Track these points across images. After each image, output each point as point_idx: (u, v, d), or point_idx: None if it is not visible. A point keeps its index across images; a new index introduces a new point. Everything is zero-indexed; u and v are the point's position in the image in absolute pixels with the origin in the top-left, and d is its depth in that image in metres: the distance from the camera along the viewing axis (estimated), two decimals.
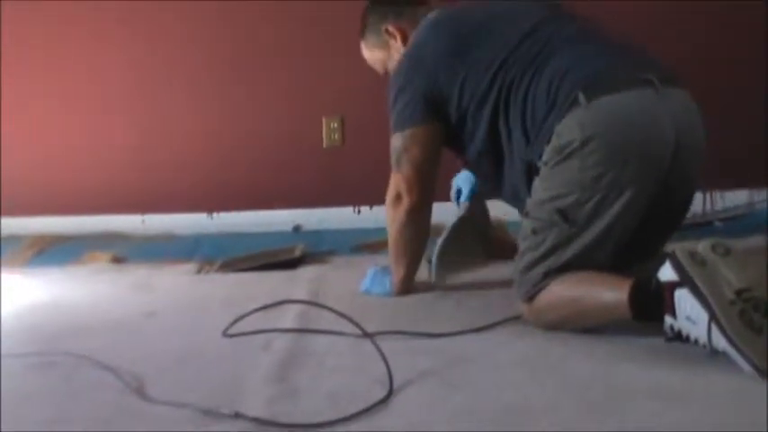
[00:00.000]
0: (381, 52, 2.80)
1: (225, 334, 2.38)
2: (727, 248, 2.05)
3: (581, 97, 2.23)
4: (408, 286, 2.70)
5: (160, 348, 2.34)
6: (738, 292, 1.95)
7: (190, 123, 3.91)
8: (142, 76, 3.89)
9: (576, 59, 2.34)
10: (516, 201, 2.53)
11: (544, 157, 2.29)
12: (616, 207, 2.21)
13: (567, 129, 2.24)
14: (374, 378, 2.00)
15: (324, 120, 3.88)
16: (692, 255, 2.02)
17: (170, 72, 3.89)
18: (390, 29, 2.75)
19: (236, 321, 2.42)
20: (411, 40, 2.66)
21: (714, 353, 1.96)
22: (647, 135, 2.23)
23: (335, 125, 3.87)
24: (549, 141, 2.27)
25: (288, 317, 2.49)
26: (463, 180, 2.93)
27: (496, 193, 2.63)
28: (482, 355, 2.17)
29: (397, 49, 2.73)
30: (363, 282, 2.77)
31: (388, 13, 2.77)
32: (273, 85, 3.88)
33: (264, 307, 2.52)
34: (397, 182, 2.60)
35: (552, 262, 2.26)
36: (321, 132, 3.88)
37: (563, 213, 2.24)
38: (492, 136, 2.45)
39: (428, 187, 2.61)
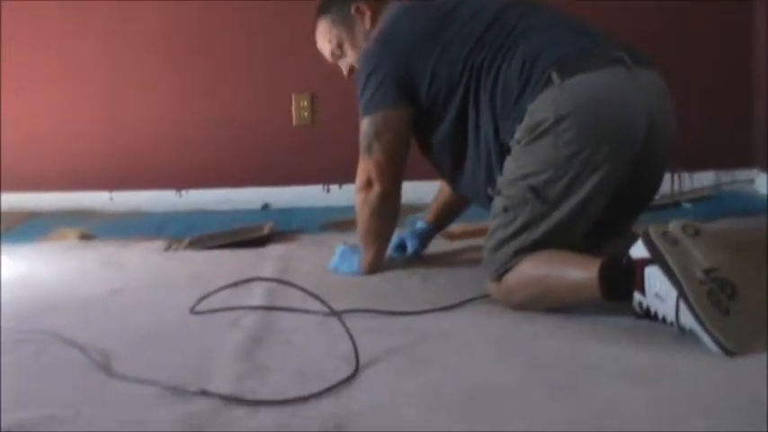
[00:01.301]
0: (343, 31, 2.72)
1: (192, 311, 2.37)
2: (696, 229, 2.06)
3: (554, 76, 2.23)
4: (377, 267, 2.70)
5: (128, 325, 2.32)
6: (706, 272, 1.96)
7: (157, 100, 3.89)
8: (111, 55, 3.87)
9: (547, 41, 2.33)
10: (474, 193, 2.54)
11: (516, 136, 2.28)
12: (589, 185, 2.22)
13: (541, 107, 2.23)
14: (341, 356, 2.00)
15: (293, 97, 3.86)
16: (665, 233, 2.03)
17: (138, 50, 3.87)
18: (361, 6, 2.69)
19: (203, 298, 2.41)
20: (381, 23, 2.62)
21: (681, 331, 1.98)
22: (620, 114, 2.23)
23: (305, 103, 3.86)
24: (521, 121, 2.27)
25: (256, 294, 2.48)
26: (409, 237, 2.88)
27: (453, 186, 2.64)
28: (450, 333, 2.17)
29: (363, 30, 2.68)
30: (332, 260, 2.76)
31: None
32: (243, 63, 3.86)
33: (232, 284, 2.51)
34: (367, 167, 2.59)
35: (523, 240, 2.26)
36: (291, 110, 3.86)
37: (536, 190, 2.24)
38: (460, 122, 2.45)
39: (399, 173, 2.61)
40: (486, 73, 2.38)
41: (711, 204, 3.60)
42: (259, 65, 3.86)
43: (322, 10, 2.77)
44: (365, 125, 2.56)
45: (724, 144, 3.78)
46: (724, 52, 3.79)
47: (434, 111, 2.49)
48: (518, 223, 2.26)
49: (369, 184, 2.59)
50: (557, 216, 2.23)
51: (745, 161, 3.82)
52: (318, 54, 3.73)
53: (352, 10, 2.71)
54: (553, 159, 2.22)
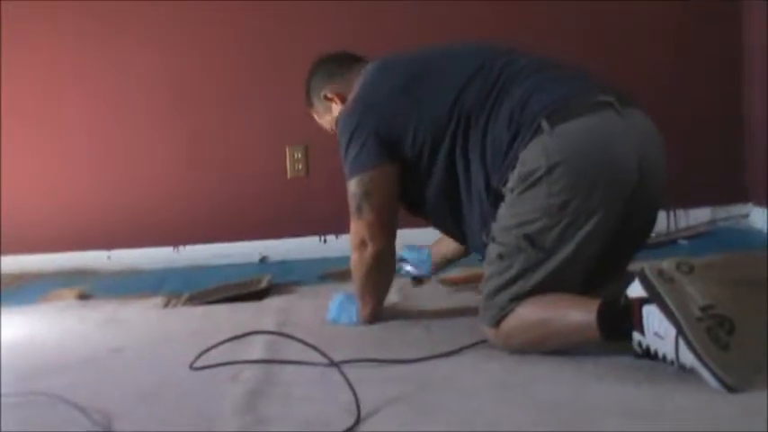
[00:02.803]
0: (329, 116, 2.78)
1: (192, 367, 2.36)
2: (690, 266, 2.07)
3: (544, 124, 2.23)
4: (376, 318, 2.70)
5: (128, 384, 2.32)
6: (703, 309, 1.97)
7: (153, 157, 3.90)
8: (105, 111, 3.88)
9: (534, 88, 2.34)
10: (471, 240, 2.54)
11: (510, 184, 2.28)
12: (583, 232, 2.22)
13: (533, 156, 2.24)
14: (343, 407, 1.99)
15: (287, 149, 3.88)
16: (661, 272, 2.04)
17: (133, 105, 3.88)
18: (329, 94, 2.75)
19: (202, 354, 2.41)
20: (357, 86, 2.64)
21: (682, 369, 1.98)
22: (612, 160, 2.23)
23: (299, 155, 3.88)
24: (513, 168, 2.27)
25: (255, 348, 2.48)
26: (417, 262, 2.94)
27: (456, 237, 2.65)
28: (451, 380, 2.17)
29: (339, 110, 2.71)
30: (329, 311, 2.76)
31: (324, 79, 2.77)
32: (235, 116, 3.88)
33: (231, 339, 2.51)
34: (359, 228, 2.59)
35: (519, 288, 2.26)
36: (285, 162, 3.88)
37: (530, 239, 2.24)
38: (449, 173, 2.45)
39: (391, 230, 2.61)
40: (474, 124, 2.38)
41: (708, 240, 3.60)
42: (252, 118, 3.88)
43: (306, 103, 2.86)
44: (353, 186, 2.57)
45: (718, 180, 3.80)
46: (716, 88, 3.82)
47: (422, 164, 2.49)
48: (513, 271, 2.26)
49: (363, 243, 2.59)
50: (552, 264, 2.23)
51: (740, 196, 3.83)
52: None
53: (324, 99, 2.77)
54: (547, 208, 2.22)
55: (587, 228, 2.22)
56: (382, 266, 2.64)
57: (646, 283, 2.03)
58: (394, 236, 2.63)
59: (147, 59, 3.85)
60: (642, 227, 2.45)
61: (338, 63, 2.78)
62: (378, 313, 2.70)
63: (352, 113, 2.57)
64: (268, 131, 3.89)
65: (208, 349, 2.43)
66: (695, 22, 3.79)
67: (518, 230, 2.25)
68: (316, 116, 2.87)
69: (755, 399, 1.88)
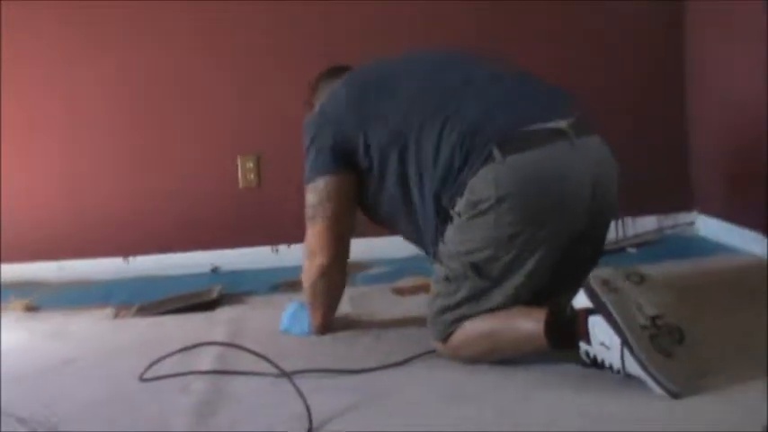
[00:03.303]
0: None
1: (142, 378, 2.36)
2: (641, 276, 2.10)
3: (495, 152, 2.22)
4: (327, 327, 2.70)
5: (78, 396, 2.30)
6: (652, 319, 2.00)
7: (103, 167, 3.87)
8: (52, 120, 3.85)
9: (490, 109, 2.33)
10: (425, 249, 2.54)
11: (458, 208, 2.29)
12: (530, 264, 2.23)
13: (482, 184, 2.23)
14: (294, 417, 2.00)
15: (239, 159, 3.87)
16: (605, 282, 2.07)
17: (79, 115, 3.84)
18: (307, 104, 2.80)
19: (152, 365, 2.40)
20: (324, 98, 2.69)
21: (628, 377, 2.01)
22: (562, 195, 2.23)
23: (251, 165, 3.87)
24: (462, 194, 2.27)
25: (206, 359, 2.47)
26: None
27: (416, 243, 2.62)
28: (402, 389, 2.19)
29: None
30: (282, 320, 2.76)
31: (314, 90, 2.83)
32: (187, 125, 3.86)
33: (182, 350, 2.50)
34: (310, 237, 2.60)
35: (465, 310, 2.28)
36: (237, 172, 3.88)
37: (477, 268, 2.25)
38: (403, 186, 2.44)
39: (341, 245, 2.61)
40: (426, 137, 2.36)
41: (655, 248, 3.65)
42: (204, 127, 3.86)
43: (309, 110, 2.85)
44: (308, 194, 2.58)
45: (664, 189, 3.84)
46: (660, 97, 3.87)
47: (376, 175, 2.49)
48: (459, 296, 2.28)
49: (312, 253, 2.60)
50: (498, 293, 2.25)
51: (685, 204, 3.89)
52: (263, 116, 3.79)
53: (306, 106, 2.81)
54: (494, 239, 2.23)
55: (534, 259, 2.23)
56: (329, 279, 2.63)
57: (591, 294, 2.06)
58: (344, 247, 2.63)
59: (97, 68, 3.82)
60: (596, 242, 2.45)
61: (331, 74, 2.82)
62: (329, 323, 2.70)
63: (310, 123, 2.61)
64: (220, 141, 3.87)
65: (157, 360, 2.43)
66: (637, 33, 3.84)
67: (465, 258, 2.27)
68: None
69: (698, 404, 1.92)
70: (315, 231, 2.58)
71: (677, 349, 1.98)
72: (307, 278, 2.65)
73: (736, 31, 3.41)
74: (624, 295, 2.04)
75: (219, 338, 2.67)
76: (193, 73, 3.83)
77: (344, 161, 2.53)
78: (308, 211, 2.59)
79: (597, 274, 2.10)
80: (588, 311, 2.05)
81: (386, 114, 2.46)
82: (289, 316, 2.76)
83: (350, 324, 2.77)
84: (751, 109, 3.32)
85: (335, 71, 2.82)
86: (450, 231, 2.32)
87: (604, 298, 2.03)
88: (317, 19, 3.78)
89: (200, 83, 3.83)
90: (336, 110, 2.57)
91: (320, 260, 2.59)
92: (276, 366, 2.28)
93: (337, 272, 2.64)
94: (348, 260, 2.67)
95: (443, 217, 2.35)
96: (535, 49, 3.67)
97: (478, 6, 3.75)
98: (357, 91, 2.57)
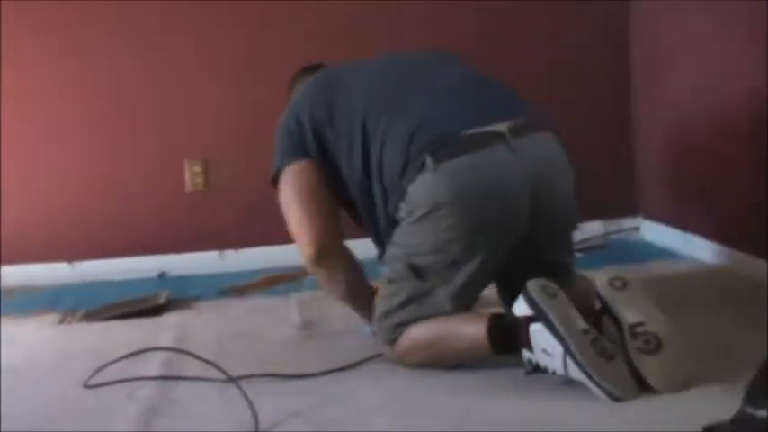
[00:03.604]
0: None
1: (86, 385, 2.34)
2: (624, 281, 2.14)
3: (429, 161, 2.23)
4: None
5: (23, 404, 2.29)
6: (632, 326, 2.05)
7: (46, 168, 3.83)
8: None
9: (428, 113, 2.33)
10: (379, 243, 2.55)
11: (400, 213, 2.31)
12: (470, 267, 2.24)
13: (417, 193, 2.25)
14: (241, 422, 2.00)
15: (186, 163, 3.86)
16: (544, 287, 2.09)
17: (24, 115, 3.80)
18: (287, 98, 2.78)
19: (98, 371, 2.39)
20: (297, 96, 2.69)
21: (572, 382, 2.03)
22: (498, 197, 2.23)
23: (198, 169, 3.86)
24: (403, 200, 2.28)
25: (152, 365, 2.46)
26: None
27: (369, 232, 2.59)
28: (349, 393, 2.19)
29: None
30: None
31: (290, 89, 2.82)
32: (135, 129, 3.84)
33: (127, 356, 2.49)
34: (291, 231, 2.52)
35: (406, 314, 2.29)
36: (183, 176, 3.86)
37: (416, 270, 2.27)
38: (364, 186, 2.43)
39: (321, 230, 2.47)
40: (374, 138, 2.38)
41: (601, 253, 3.69)
42: (150, 131, 3.84)
43: None
44: (280, 188, 2.53)
45: (609, 194, 3.89)
46: (605, 103, 3.91)
47: (343, 172, 2.47)
48: (399, 299, 2.30)
49: (300, 247, 2.50)
50: (439, 296, 2.26)
51: (630, 210, 3.94)
52: (210, 120, 3.78)
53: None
54: (432, 243, 2.24)
55: (475, 263, 2.24)
56: (321, 268, 2.49)
57: (530, 301, 2.08)
58: (327, 230, 2.48)
59: (43, 70, 3.78)
60: (562, 234, 2.44)
61: (305, 73, 2.81)
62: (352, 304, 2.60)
63: (282, 122, 2.58)
64: (166, 145, 3.85)
65: (102, 367, 2.42)
66: (582, 37, 3.89)
67: (405, 259, 2.28)
68: None
69: (641, 408, 1.95)
70: (292, 224, 2.50)
71: (660, 357, 2.02)
72: (319, 281, 2.58)
73: (680, 35, 3.47)
74: (561, 300, 2.07)
75: (167, 344, 2.66)
76: (140, 76, 3.80)
77: (308, 150, 2.49)
78: (282, 205, 2.53)
79: (536, 280, 2.12)
80: (530, 319, 2.07)
81: (349, 109, 2.45)
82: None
83: (298, 331, 2.76)
84: (694, 115, 3.38)
85: (309, 69, 2.81)
86: (395, 234, 2.34)
87: (544, 304, 2.05)
88: (270, 26, 3.78)
89: (147, 86, 3.81)
90: (301, 103, 2.55)
91: (306, 251, 2.47)
92: (223, 371, 2.28)
93: (327, 256, 2.47)
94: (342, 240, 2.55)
95: (391, 221, 2.37)
96: (477, 48, 3.69)
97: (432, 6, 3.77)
98: (323, 86, 2.56)
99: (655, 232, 3.79)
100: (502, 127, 2.28)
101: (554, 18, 3.86)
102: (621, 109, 3.92)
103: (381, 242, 2.49)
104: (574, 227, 2.51)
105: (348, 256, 2.54)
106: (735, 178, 3.13)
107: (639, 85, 3.85)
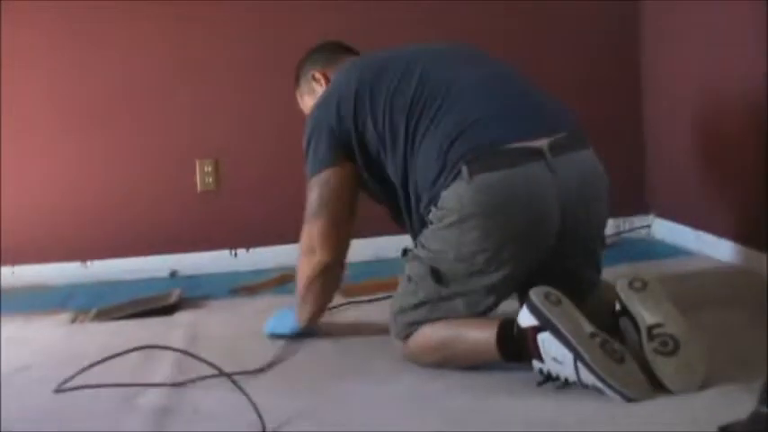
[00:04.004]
0: (310, 98, 2.75)
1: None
2: (644, 282, 2.13)
3: (464, 171, 2.21)
4: (314, 322, 2.65)
5: (32, 404, 2.29)
6: (650, 327, 2.04)
7: (59, 170, 3.84)
8: (10, 124, 3.81)
9: (468, 118, 2.29)
10: (410, 230, 2.53)
11: (430, 216, 2.31)
12: (491, 279, 2.23)
13: (449, 200, 2.24)
14: (249, 423, 2.00)
15: (197, 163, 3.86)
16: (547, 295, 2.08)
17: (37, 115, 3.81)
18: (317, 75, 2.74)
19: (76, 374, 2.40)
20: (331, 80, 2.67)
21: (586, 387, 2.02)
22: (526, 219, 2.21)
23: (209, 168, 3.86)
24: (436, 204, 2.28)
25: (163, 364, 2.47)
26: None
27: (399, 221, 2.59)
28: (361, 393, 2.20)
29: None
30: (267, 324, 2.72)
31: (317, 61, 2.78)
32: (145, 129, 3.84)
33: (111, 356, 2.47)
34: (311, 234, 2.53)
35: (419, 315, 2.30)
36: (195, 176, 3.86)
37: (437, 274, 2.26)
38: (402, 176, 2.42)
39: (342, 242, 2.55)
40: (411, 138, 2.36)
41: (614, 251, 3.67)
42: (162, 131, 3.84)
43: (295, 83, 2.84)
44: (310, 188, 2.53)
45: (620, 192, 3.85)
46: (615, 102, 3.90)
47: (380, 159, 2.46)
48: (416, 298, 2.30)
49: (311, 250, 2.53)
50: (459, 302, 2.26)
51: (641, 208, 3.93)
52: (221, 119, 3.78)
53: (311, 79, 2.76)
54: (457, 252, 2.23)
55: (496, 276, 2.23)
56: (327, 280, 2.57)
57: (533, 310, 2.07)
58: (344, 249, 2.57)
59: (56, 71, 3.79)
60: (585, 254, 2.40)
61: (332, 50, 2.80)
62: (317, 318, 2.65)
63: (312, 113, 2.57)
64: (178, 145, 3.86)
65: (86, 367, 2.42)
66: (595, 37, 3.88)
67: (429, 262, 2.28)
68: (299, 99, 2.85)
69: (655, 408, 1.94)
70: (316, 227, 2.51)
71: (676, 359, 2.02)
72: (303, 274, 2.58)
73: (692, 33, 3.45)
74: (567, 306, 2.07)
75: (178, 343, 2.66)
76: (151, 76, 3.81)
77: (344, 151, 2.48)
78: (310, 206, 2.52)
79: (537, 288, 2.11)
80: (536, 329, 2.06)
81: (394, 104, 2.41)
82: (274, 318, 2.72)
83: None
84: (705, 113, 3.36)
85: (339, 49, 2.80)
86: (422, 235, 2.34)
87: (548, 313, 2.05)
88: (279, 26, 3.78)
89: (158, 86, 3.81)
90: (336, 96, 2.51)
91: (321, 257, 2.51)
92: (225, 374, 2.28)
93: (335, 273, 2.58)
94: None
95: (422, 219, 2.37)
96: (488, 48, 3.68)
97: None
98: (359, 75, 2.51)
99: (666, 230, 3.78)
100: (543, 143, 2.24)
101: (566, 18, 3.84)
102: (632, 108, 3.91)
103: (415, 234, 2.48)
104: (604, 246, 2.49)
105: (339, 279, 2.63)
106: (747, 176, 3.12)
107: (650, 84, 3.84)
